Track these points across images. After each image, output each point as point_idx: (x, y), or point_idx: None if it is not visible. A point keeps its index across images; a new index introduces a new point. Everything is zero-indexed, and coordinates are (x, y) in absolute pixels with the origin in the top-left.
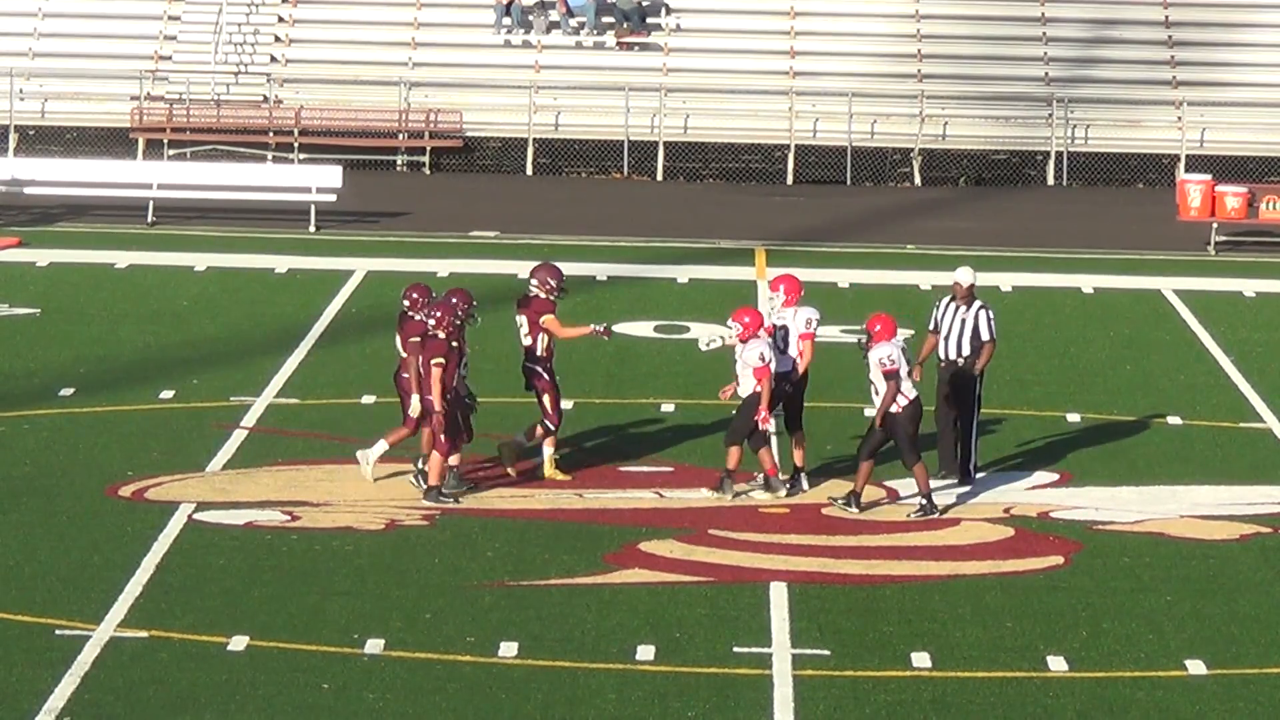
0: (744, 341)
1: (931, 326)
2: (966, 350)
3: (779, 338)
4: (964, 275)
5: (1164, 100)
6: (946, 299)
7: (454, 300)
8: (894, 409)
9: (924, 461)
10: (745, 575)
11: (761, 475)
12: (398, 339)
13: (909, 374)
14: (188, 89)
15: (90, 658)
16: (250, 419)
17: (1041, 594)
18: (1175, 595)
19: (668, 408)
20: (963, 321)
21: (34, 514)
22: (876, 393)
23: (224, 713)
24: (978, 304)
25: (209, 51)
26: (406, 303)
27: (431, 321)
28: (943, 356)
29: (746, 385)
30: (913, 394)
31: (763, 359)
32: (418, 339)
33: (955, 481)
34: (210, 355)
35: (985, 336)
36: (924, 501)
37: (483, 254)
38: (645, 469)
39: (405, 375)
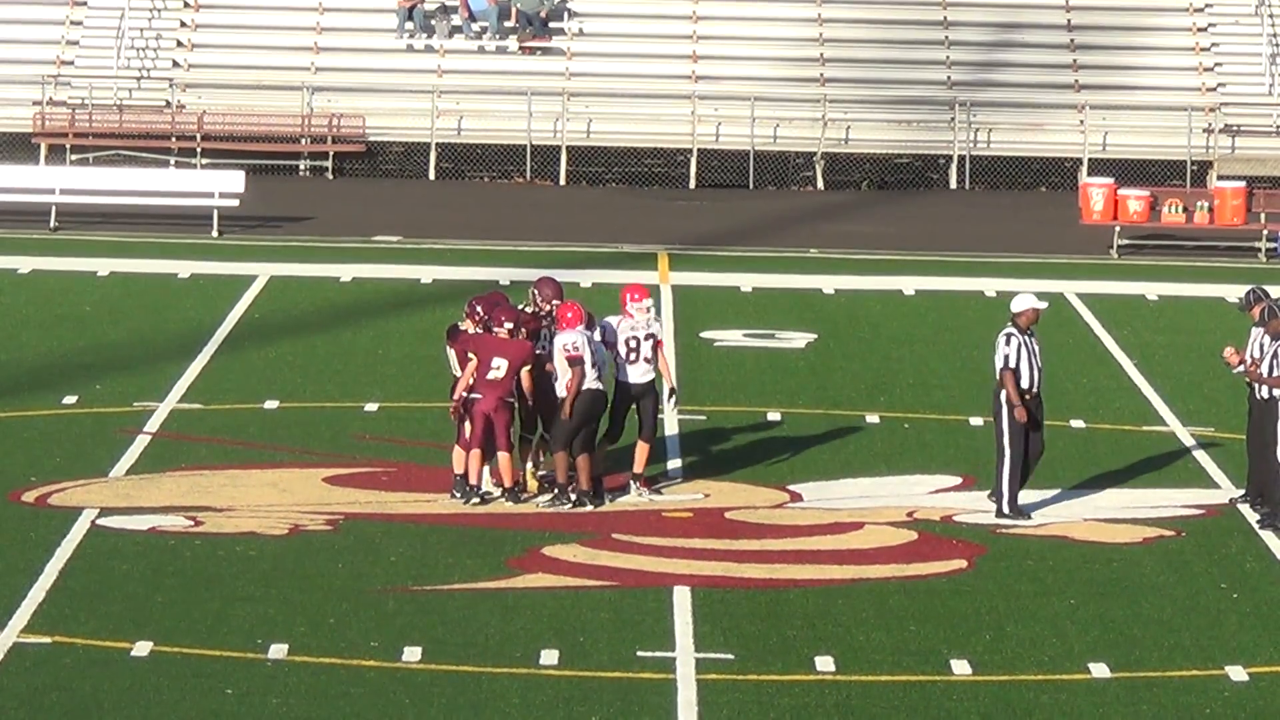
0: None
1: (1011, 364)
2: (1038, 380)
3: (649, 346)
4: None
5: (1066, 104)
6: (1014, 332)
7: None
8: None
9: (568, 454)
10: (649, 579)
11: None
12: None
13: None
14: (90, 94)
15: None
16: (153, 424)
17: (945, 597)
18: (1079, 598)
19: None
20: (1035, 352)
21: None
22: (558, 379)
23: (127, 719)
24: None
25: (111, 56)
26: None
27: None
28: (1032, 389)
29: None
30: (596, 386)
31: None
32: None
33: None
34: (113, 360)
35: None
36: (556, 493)
37: (386, 259)
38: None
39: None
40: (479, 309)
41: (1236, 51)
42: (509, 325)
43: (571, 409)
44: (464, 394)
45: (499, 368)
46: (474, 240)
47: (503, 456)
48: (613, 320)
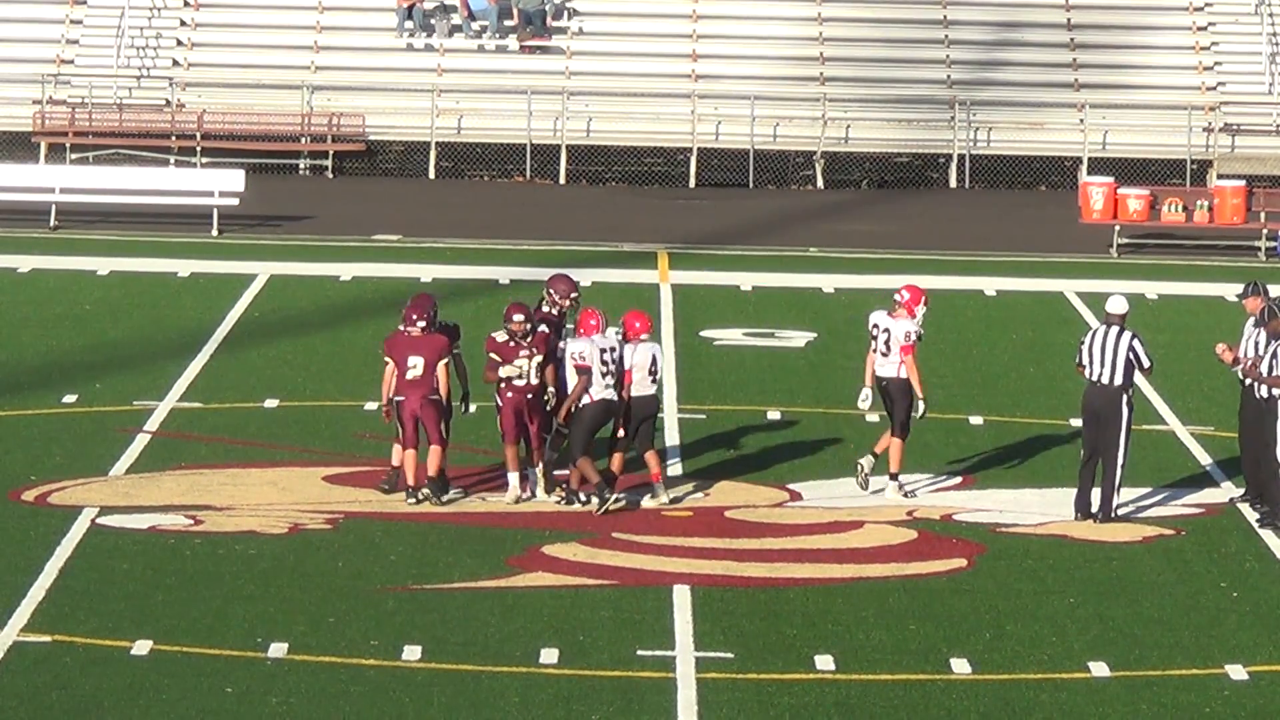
0: (630, 342)
1: (1149, 365)
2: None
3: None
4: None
5: (1066, 103)
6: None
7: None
8: (582, 402)
9: (589, 459)
10: (649, 578)
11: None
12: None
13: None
14: (90, 93)
15: None
16: (153, 423)
17: (945, 596)
18: (1078, 597)
19: None
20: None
21: None
22: (568, 385)
23: (127, 717)
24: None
25: (111, 55)
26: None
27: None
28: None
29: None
30: (608, 395)
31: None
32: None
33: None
34: (113, 359)
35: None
36: (583, 496)
37: (385, 258)
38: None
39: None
40: (411, 313)
41: (1236, 51)
42: (421, 324)
43: (568, 416)
44: (389, 398)
45: (415, 366)
46: (474, 239)
47: (434, 450)
48: (881, 315)
